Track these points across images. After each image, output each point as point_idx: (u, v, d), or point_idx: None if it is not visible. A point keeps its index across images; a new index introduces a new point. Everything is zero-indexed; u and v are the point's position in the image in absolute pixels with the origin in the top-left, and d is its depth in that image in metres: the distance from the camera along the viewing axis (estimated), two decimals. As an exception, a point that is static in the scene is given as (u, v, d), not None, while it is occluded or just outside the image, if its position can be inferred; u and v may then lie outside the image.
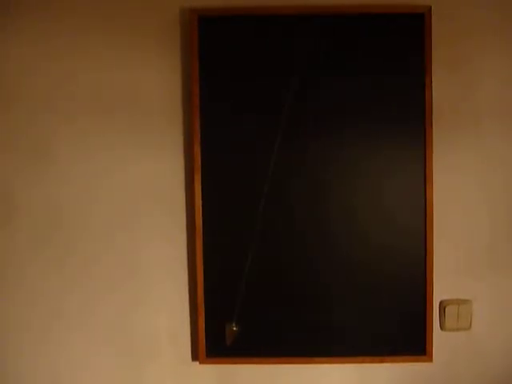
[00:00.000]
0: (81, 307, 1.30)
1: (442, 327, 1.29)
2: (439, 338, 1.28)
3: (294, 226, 1.25)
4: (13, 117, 1.29)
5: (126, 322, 1.31)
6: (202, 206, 1.24)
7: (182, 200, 1.29)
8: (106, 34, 1.28)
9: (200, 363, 1.27)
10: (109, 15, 1.28)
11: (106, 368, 1.31)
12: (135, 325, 1.30)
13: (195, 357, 1.30)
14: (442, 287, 1.28)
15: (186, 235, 1.29)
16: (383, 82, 1.23)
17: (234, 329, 1.24)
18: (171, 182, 1.29)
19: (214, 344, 1.25)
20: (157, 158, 1.29)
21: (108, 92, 1.29)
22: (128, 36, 1.28)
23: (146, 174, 1.29)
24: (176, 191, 1.29)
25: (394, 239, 1.24)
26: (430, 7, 1.22)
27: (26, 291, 1.31)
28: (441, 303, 1.29)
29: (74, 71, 1.29)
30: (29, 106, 1.29)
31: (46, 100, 1.29)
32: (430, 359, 1.25)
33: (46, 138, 1.29)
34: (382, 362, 1.25)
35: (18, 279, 1.31)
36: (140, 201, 1.29)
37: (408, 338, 1.25)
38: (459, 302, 1.28)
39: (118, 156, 1.29)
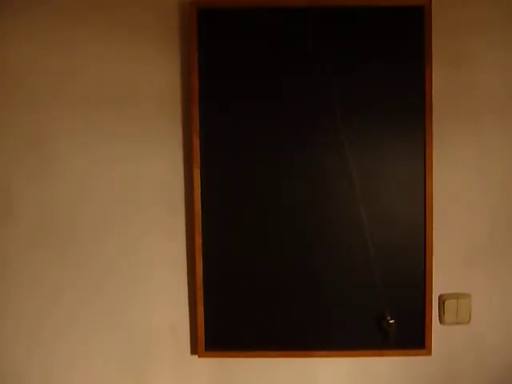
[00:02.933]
0: (79, 301, 1.30)
1: (441, 321, 1.29)
2: (438, 332, 1.28)
3: (293, 221, 1.24)
4: (11, 113, 1.29)
5: (124, 316, 1.31)
6: (201, 200, 1.24)
7: (181, 194, 1.29)
8: (104, 28, 1.28)
9: (199, 357, 1.27)
10: (107, 9, 1.27)
11: (105, 361, 1.31)
12: (134, 318, 1.31)
13: (194, 350, 1.30)
14: (441, 281, 1.28)
15: (185, 229, 1.29)
16: (383, 76, 1.23)
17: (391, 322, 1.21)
18: (170, 177, 1.29)
19: (213, 338, 1.25)
20: (156, 152, 1.29)
21: (106, 87, 1.28)
22: (126, 30, 1.27)
23: (146, 168, 1.29)
24: (175, 186, 1.29)
25: (394, 233, 1.24)
26: (430, 0, 1.21)
27: (24, 287, 1.30)
28: (440, 297, 1.29)
29: (71, 66, 1.28)
30: (27, 102, 1.28)
31: (44, 96, 1.28)
32: (429, 353, 1.25)
33: (44, 134, 1.29)
34: (381, 355, 1.25)
35: (15, 276, 1.30)
36: (139, 195, 1.29)
37: (407, 331, 1.25)
38: (458, 296, 1.28)
39: (117, 151, 1.29)
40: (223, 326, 1.26)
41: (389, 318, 1.23)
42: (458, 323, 1.29)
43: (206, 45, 1.23)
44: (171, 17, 1.27)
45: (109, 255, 1.30)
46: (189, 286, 1.29)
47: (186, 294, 1.30)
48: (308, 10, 1.22)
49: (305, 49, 1.23)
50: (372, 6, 1.21)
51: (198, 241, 1.24)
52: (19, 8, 1.28)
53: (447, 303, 1.28)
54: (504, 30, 1.26)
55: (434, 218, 1.24)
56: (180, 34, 1.27)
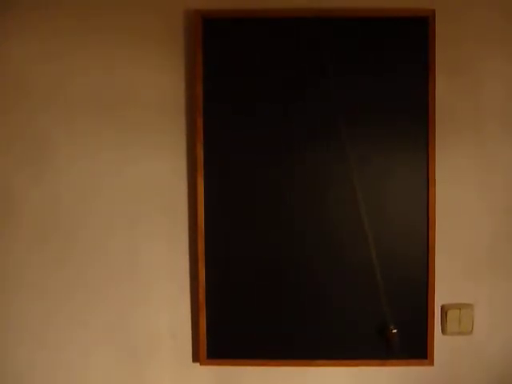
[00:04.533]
0: (80, 307, 1.30)
1: (443, 331, 1.29)
2: (440, 342, 1.28)
3: (295, 227, 1.24)
4: (12, 116, 1.29)
5: (126, 323, 1.31)
6: (205, 205, 1.25)
7: (184, 200, 1.29)
8: (109, 34, 1.28)
9: (201, 365, 1.26)
10: (112, 16, 1.28)
11: (106, 368, 1.31)
12: (135, 325, 1.30)
13: (196, 358, 1.30)
14: (443, 291, 1.27)
15: (188, 235, 1.29)
16: (387, 86, 1.23)
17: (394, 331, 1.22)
18: (174, 182, 1.29)
19: (214, 345, 1.25)
20: (159, 158, 1.29)
21: (110, 92, 1.29)
22: (132, 36, 1.28)
23: (149, 174, 1.29)
24: (178, 191, 1.29)
25: (396, 243, 1.24)
26: (434, 11, 1.21)
27: (25, 290, 1.31)
28: (442, 307, 1.28)
29: (73, 71, 1.29)
30: (29, 105, 1.29)
31: (47, 99, 1.29)
32: (431, 363, 1.25)
33: (46, 136, 1.29)
34: (382, 365, 1.25)
35: (17, 278, 1.31)
36: (142, 200, 1.30)
37: (409, 341, 1.24)
38: (461, 307, 1.28)
39: (119, 156, 1.29)
40: (225, 334, 1.25)
41: (392, 327, 1.23)
42: (460, 333, 1.29)
43: (210, 53, 1.24)
44: (176, 25, 1.27)
45: (110, 260, 1.30)
46: (191, 293, 1.29)
47: (189, 302, 1.29)
48: (311, 20, 1.22)
49: (308, 58, 1.23)
50: (376, 17, 1.22)
51: (201, 247, 1.25)
52: (20, 13, 1.28)
53: (450, 313, 1.28)
54: (508, 39, 1.27)
55: (436, 228, 1.24)
56: (185, 42, 1.28)
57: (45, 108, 1.29)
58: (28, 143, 1.30)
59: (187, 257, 1.29)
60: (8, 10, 1.28)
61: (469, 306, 1.28)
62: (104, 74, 1.29)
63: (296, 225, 1.24)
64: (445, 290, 1.27)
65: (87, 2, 1.28)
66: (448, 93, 1.27)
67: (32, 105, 1.29)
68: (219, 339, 1.25)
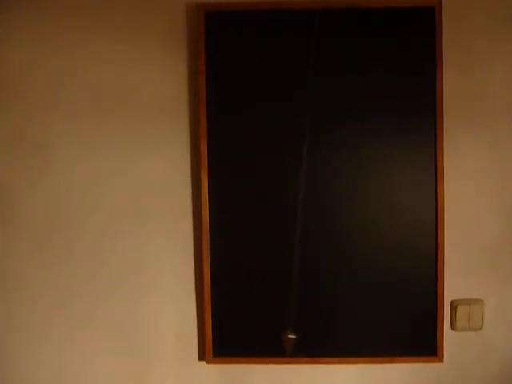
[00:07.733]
0: (84, 305, 1.30)
1: (453, 327, 1.27)
2: (450, 339, 1.26)
3: (302, 223, 1.23)
4: (13, 116, 1.29)
5: (130, 321, 1.30)
6: (209, 203, 1.23)
7: (188, 197, 1.28)
8: (110, 32, 1.27)
9: (206, 363, 1.26)
10: (114, 12, 1.27)
11: (110, 366, 1.31)
12: (140, 323, 1.30)
13: (202, 356, 1.29)
14: (452, 287, 1.26)
15: (192, 232, 1.28)
16: (393, 81, 1.21)
17: (291, 337, 1.22)
18: (177, 180, 1.28)
19: (220, 344, 1.24)
20: (163, 155, 1.28)
21: (111, 91, 1.28)
22: (134, 33, 1.27)
23: (153, 171, 1.28)
24: (182, 188, 1.28)
25: (406, 239, 1.22)
26: (441, 1, 1.19)
27: (27, 289, 1.30)
28: (452, 303, 1.27)
29: (75, 70, 1.28)
30: (30, 105, 1.28)
31: (48, 99, 1.28)
32: (441, 360, 1.23)
33: (47, 137, 1.28)
34: (392, 362, 1.24)
35: (19, 278, 1.30)
36: (146, 198, 1.29)
37: (419, 338, 1.23)
38: (470, 302, 1.26)
39: (122, 154, 1.29)
40: (231, 332, 1.24)
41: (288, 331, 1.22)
42: (470, 329, 1.27)
43: (213, 48, 1.23)
44: (178, 20, 1.26)
45: (114, 259, 1.29)
46: (196, 291, 1.28)
47: (194, 300, 1.29)
48: (315, 12, 1.21)
49: (313, 51, 1.21)
50: (383, 7, 1.20)
51: (206, 244, 1.24)
52: (21, 11, 1.27)
53: (459, 309, 1.26)
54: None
55: (445, 224, 1.22)
56: (187, 38, 1.27)
57: (46, 107, 1.28)
58: (29, 143, 1.29)
59: (192, 254, 1.28)
60: (8, 9, 1.27)
61: (478, 301, 1.27)
62: (105, 72, 1.28)
63: (301, 222, 1.23)
64: (454, 285, 1.26)
65: (88, 0, 1.27)
66: (457, 88, 1.24)
67: (33, 104, 1.28)
68: (225, 337, 1.24)
